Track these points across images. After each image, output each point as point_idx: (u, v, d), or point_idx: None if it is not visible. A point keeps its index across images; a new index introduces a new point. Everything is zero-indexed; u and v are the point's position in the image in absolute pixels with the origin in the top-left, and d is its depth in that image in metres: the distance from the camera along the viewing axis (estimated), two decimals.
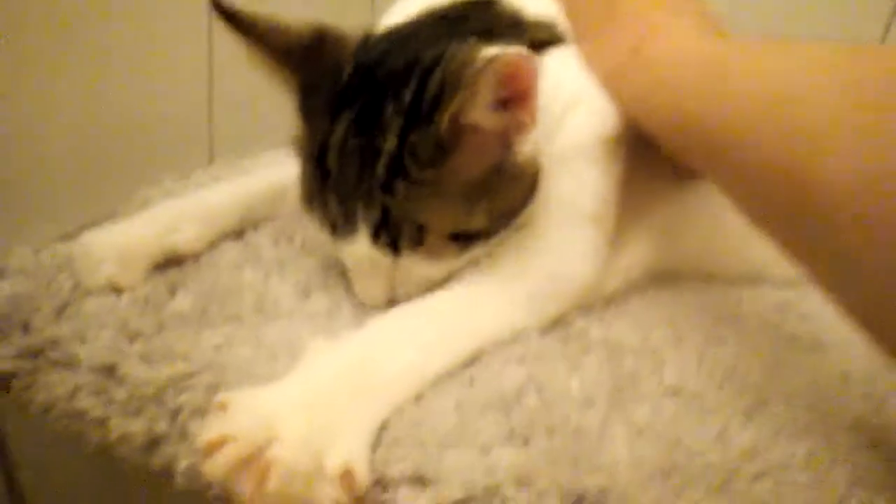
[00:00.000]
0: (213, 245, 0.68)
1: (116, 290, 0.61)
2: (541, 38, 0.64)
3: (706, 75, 0.55)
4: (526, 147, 0.57)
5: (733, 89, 0.52)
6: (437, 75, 0.54)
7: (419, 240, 0.57)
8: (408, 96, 0.55)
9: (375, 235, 0.57)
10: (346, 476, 0.45)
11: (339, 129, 0.56)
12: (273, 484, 0.44)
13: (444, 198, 0.56)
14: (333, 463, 0.45)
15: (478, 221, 0.58)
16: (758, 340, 0.64)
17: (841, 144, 0.44)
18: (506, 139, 0.56)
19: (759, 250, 0.73)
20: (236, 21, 0.58)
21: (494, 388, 0.53)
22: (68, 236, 0.71)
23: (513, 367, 0.56)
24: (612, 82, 0.63)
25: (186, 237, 0.65)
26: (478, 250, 0.60)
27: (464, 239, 0.58)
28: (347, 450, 0.46)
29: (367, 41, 0.60)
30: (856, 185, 0.42)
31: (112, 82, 0.83)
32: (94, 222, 0.75)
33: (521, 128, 0.56)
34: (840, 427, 0.54)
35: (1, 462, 0.78)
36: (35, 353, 0.58)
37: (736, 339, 0.63)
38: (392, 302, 0.61)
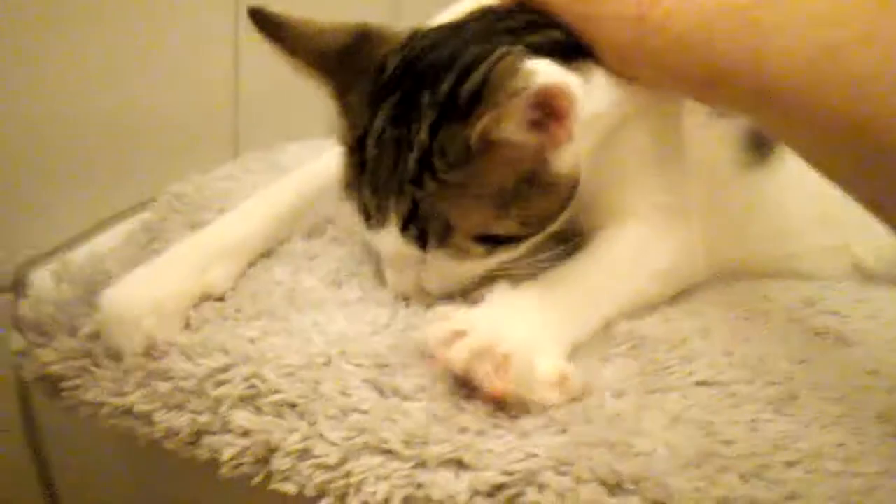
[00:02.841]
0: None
1: (152, 348, 0.58)
2: None
3: (735, 30, 0.53)
4: (564, 159, 0.57)
5: (771, 42, 0.51)
6: (476, 75, 0.54)
7: (446, 237, 0.57)
8: (445, 88, 0.55)
9: (404, 227, 0.57)
10: (563, 380, 0.53)
11: (379, 119, 0.56)
12: (513, 372, 0.50)
13: (472, 200, 0.56)
14: (548, 368, 0.52)
15: (508, 227, 0.58)
16: (785, 334, 0.64)
17: None
18: (540, 152, 0.56)
19: (793, 243, 0.76)
20: (271, 30, 0.59)
21: None
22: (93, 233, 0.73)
23: None
24: (628, 60, 0.60)
25: (217, 278, 0.64)
26: (507, 254, 0.60)
27: (492, 242, 0.58)
28: (558, 360, 0.54)
29: (415, 35, 0.60)
30: None
31: (137, 75, 0.83)
32: (124, 214, 0.76)
33: (555, 143, 0.55)
34: (868, 419, 0.54)
35: (33, 453, 0.78)
36: (81, 355, 0.59)
37: (764, 332, 0.64)
38: (421, 293, 0.62)
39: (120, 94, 0.81)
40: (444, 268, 0.60)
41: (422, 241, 0.58)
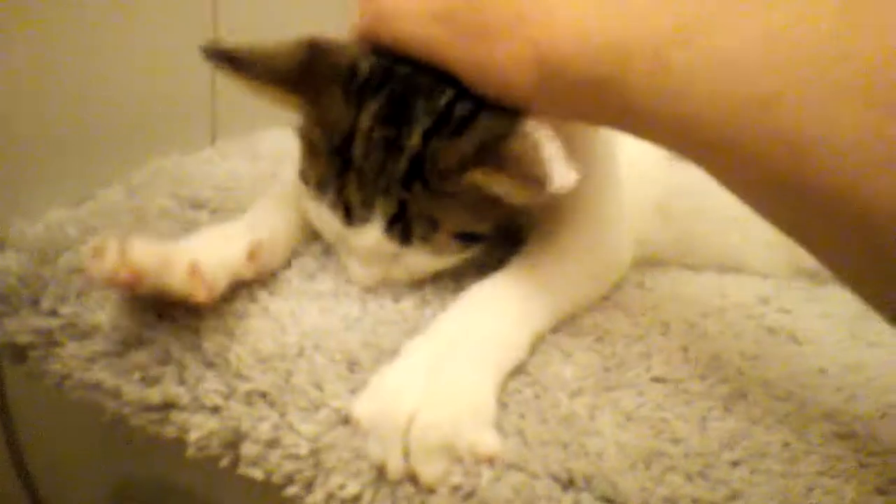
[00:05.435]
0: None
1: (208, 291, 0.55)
2: None
3: (651, 72, 0.48)
4: None
5: (690, 84, 0.46)
6: (467, 104, 0.56)
7: (429, 235, 0.59)
8: (443, 101, 0.56)
9: (389, 226, 0.59)
10: (483, 452, 0.49)
11: (365, 118, 0.57)
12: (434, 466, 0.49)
13: (458, 204, 0.58)
14: (468, 439, 0.49)
15: (484, 227, 0.61)
16: (740, 331, 0.66)
17: (871, 161, 0.41)
18: None
19: (735, 235, 0.78)
20: (235, 65, 0.58)
21: None
22: (69, 205, 0.73)
23: None
24: (532, 102, 0.54)
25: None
26: (475, 251, 0.63)
27: (468, 238, 0.61)
28: (475, 424, 0.50)
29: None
30: None
31: (115, 56, 0.83)
32: (95, 194, 0.77)
33: None
34: (813, 418, 0.56)
35: (3, 429, 0.80)
36: (50, 326, 0.60)
37: (719, 328, 0.66)
38: (382, 284, 0.64)
39: (96, 78, 0.81)
40: (420, 262, 0.62)
41: (404, 238, 0.59)
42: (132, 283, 0.53)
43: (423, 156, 0.56)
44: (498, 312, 0.58)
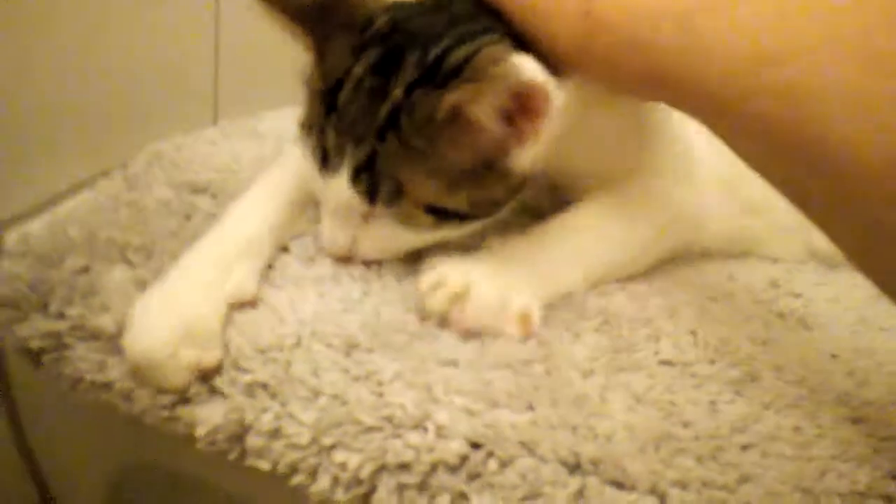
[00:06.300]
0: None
1: (206, 376, 0.55)
2: None
3: (678, 34, 0.51)
4: (525, 156, 0.58)
5: (712, 49, 0.50)
6: (463, 50, 0.55)
7: (395, 198, 0.58)
8: (434, 53, 0.56)
9: (355, 176, 0.58)
10: (524, 318, 0.58)
11: (359, 67, 0.57)
12: (470, 310, 0.57)
13: (428, 170, 0.57)
14: (514, 307, 0.58)
15: (456, 203, 0.59)
16: (749, 315, 0.65)
17: (856, 114, 0.44)
18: (503, 144, 0.57)
19: (758, 220, 0.77)
20: None
21: (504, 353, 0.56)
22: (68, 194, 0.73)
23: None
24: (574, 55, 0.56)
25: (243, 280, 0.60)
26: (450, 231, 0.62)
27: (440, 214, 0.59)
28: (525, 302, 0.59)
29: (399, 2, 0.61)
30: (890, 165, 0.43)
31: (117, 34, 0.83)
32: (97, 176, 0.76)
33: (521, 140, 0.56)
34: (825, 402, 0.55)
35: (10, 418, 0.79)
36: (58, 329, 0.59)
37: (728, 313, 0.65)
38: (350, 256, 0.63)
39: (99, 57, 0.81)
40: (387, 232, 0.61)
41: (370, 196, 0.58)
42: None
43: (402, 106, 0.56)
44: (553, 249, 0.64)
